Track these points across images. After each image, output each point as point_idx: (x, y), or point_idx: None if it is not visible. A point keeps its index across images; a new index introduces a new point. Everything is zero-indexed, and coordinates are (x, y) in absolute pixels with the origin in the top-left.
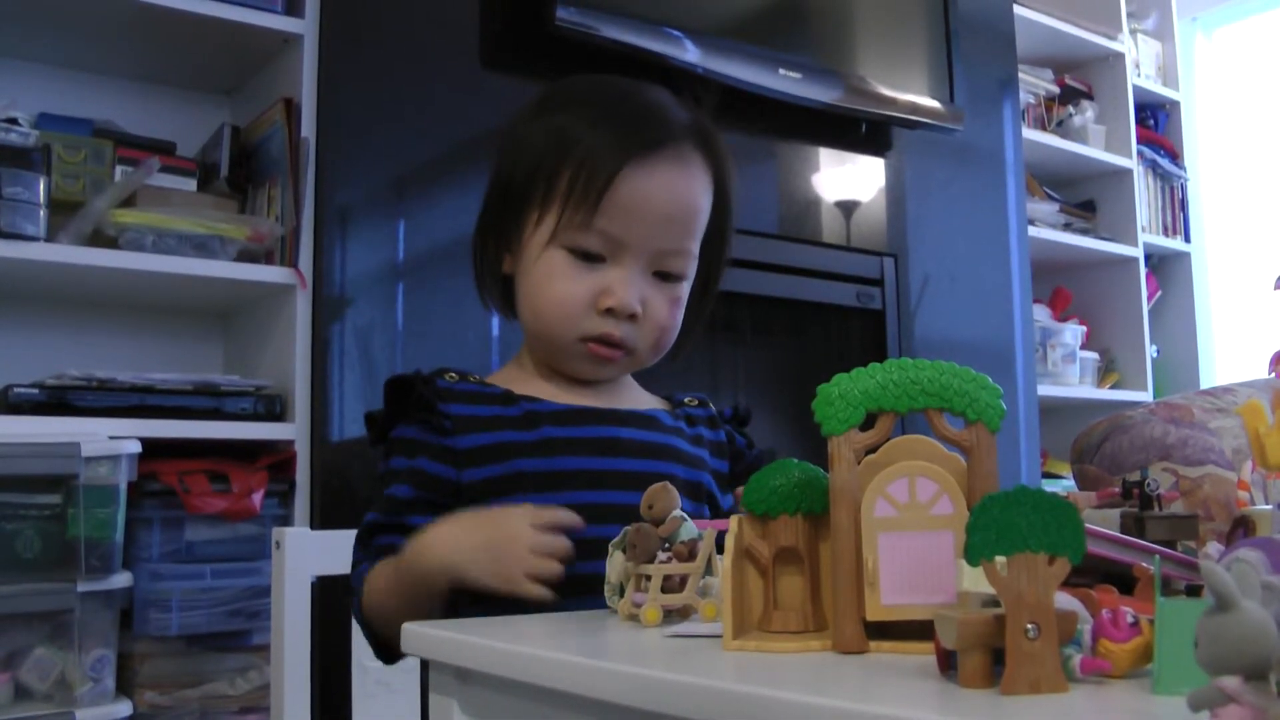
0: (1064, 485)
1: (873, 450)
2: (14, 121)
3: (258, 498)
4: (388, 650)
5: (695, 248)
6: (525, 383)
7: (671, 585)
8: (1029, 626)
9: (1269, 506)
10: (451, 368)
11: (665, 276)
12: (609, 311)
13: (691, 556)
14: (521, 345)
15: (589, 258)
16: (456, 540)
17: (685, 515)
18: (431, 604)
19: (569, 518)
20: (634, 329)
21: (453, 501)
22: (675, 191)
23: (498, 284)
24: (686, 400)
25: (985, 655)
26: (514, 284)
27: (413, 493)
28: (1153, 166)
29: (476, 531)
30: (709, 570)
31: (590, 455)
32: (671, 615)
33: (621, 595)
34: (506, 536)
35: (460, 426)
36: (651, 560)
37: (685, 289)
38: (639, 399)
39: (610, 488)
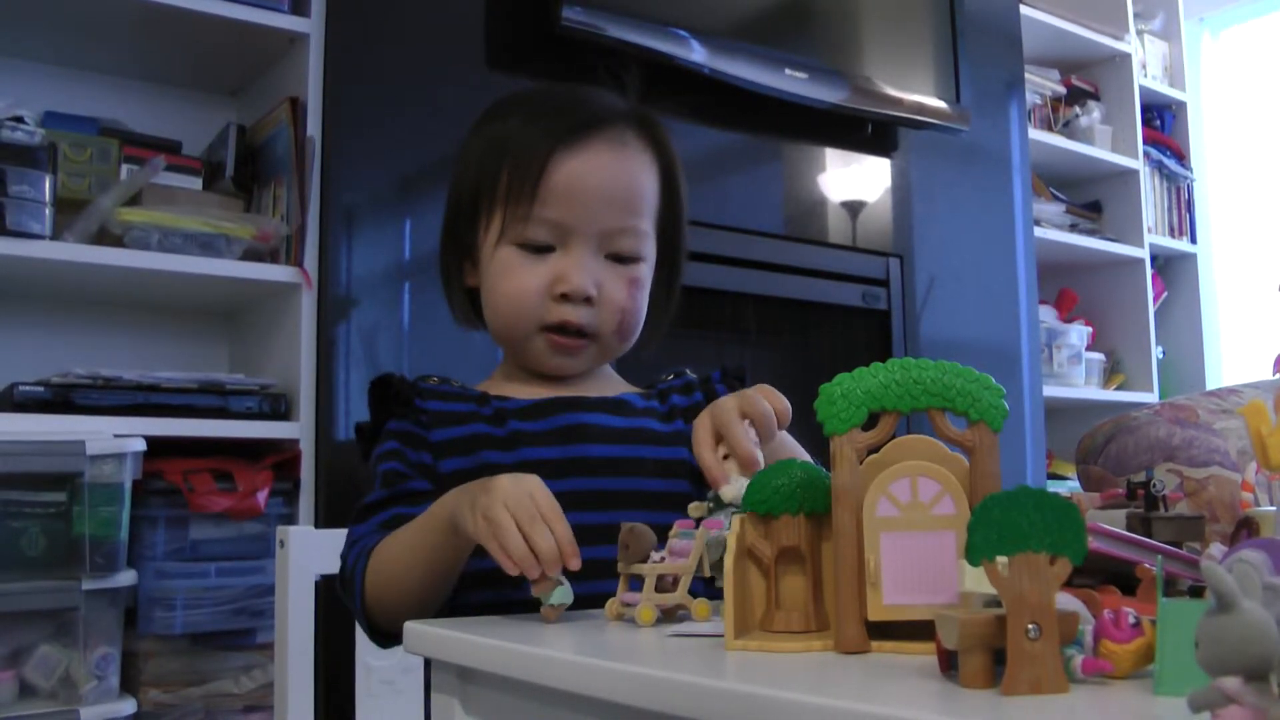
0: (1069, 486)
1: (875, 450)
2: (20, 120)
3: (262, 496)
4: (383, 635)
5: (646, 226)
6: (502, 386)
7: (664, 585)
8: (1030, 627)
9: (1273, 508)
10: (433, 374)
11: (619, 259)
12: (564, 297)
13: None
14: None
15: (538, 249)
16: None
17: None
18: (449, 564)
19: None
20: (592, 313)
21: (435, 489)
22: (610, 171)
23: (463, 297)
24: (664, 378)
25: (986, 655)
26: (479, 295)
27: (407, 469)
28: (1159, 167)
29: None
30: (699, 567)
31: (554, 444)
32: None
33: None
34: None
35: (434, 421)
36: (645, 560)
37: (644, 270)
38: (614, 388)
39: (575, 475)
